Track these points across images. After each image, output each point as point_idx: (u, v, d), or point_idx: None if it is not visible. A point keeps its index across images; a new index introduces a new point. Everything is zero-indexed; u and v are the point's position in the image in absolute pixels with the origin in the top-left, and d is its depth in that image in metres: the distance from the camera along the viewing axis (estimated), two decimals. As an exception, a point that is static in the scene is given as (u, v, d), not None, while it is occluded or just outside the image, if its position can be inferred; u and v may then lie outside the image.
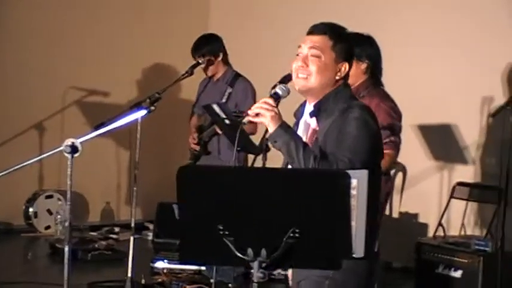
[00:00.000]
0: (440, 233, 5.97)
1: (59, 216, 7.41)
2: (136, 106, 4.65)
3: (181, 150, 6.76)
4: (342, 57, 3.26)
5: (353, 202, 2.68)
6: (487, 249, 5.33)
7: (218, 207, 2.65)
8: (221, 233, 2.64)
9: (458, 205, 6.21)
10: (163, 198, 6.64)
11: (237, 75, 6.19)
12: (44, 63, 7.75)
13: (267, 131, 3.15)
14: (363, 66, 4.62)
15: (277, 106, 3.17)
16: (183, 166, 2.65)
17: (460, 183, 6.18)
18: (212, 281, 5.86)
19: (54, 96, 7.81)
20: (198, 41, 6.32)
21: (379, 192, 3.24)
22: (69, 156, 3.61)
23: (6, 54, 7.61)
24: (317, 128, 3.22)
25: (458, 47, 6.50)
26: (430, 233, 6.28)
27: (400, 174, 6.81)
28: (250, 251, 2.65)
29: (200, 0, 8.80)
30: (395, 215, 6.87)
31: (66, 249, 3.65)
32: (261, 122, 3.13)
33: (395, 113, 4.59)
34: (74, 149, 3.61)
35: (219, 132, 5.90)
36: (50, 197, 7.60)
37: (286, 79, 3.35)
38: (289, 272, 3.36)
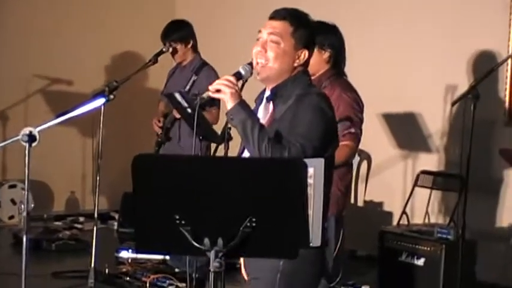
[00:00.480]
0: (405, 221, 6.00)
1: (22, 206, 7.33)
2: (96, 95, 4.61)
3: (148, 139, 6.73)
4: (301, 44, 3.24)
5: (310, 191, 2.68)
6: (449, 237, 5.35)
7: (174, 196, 2.62)
8: (177, 222, 2.61)
9: (422, 193, 6.24)
10: (129, 188, 6.56)
11: (204, 64, 6.17)
12: (7, 52, 7.67)
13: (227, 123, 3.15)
14: (326, 55, 4.59)
15: (239, 86, 3.17)
16: (139, 155, 2.62)
17: (424, 172, 6.21)
18: (177, 270, 5.87)
19: (17, 85, 7.74)
20: (168, 26, 6.28)
21: (331, 180, 3.23)
22: (26, 145, 3.55)
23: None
24: (274, 113, 3.21)
25: (422, 36, 6.52)
26: (395, 222, 6.30)
27: (364, 163, 6.82)
28: (206, 240, 2.63)
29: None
30: (360, 203, 6.89)
31: (24, 239, 3.60)
32: (220, 97, 3.12)
33: (357, 105, 4.56)
34: (31, 138, 3.55)
35: (177, 117, 5.88)
36: (13, 186, 7.54)
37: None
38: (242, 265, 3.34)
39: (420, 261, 5.42)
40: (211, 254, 2.63)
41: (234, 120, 3.10)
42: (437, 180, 6.15)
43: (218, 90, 3.13)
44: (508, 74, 6.01)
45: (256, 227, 2.60)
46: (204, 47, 6.34)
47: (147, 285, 5.63)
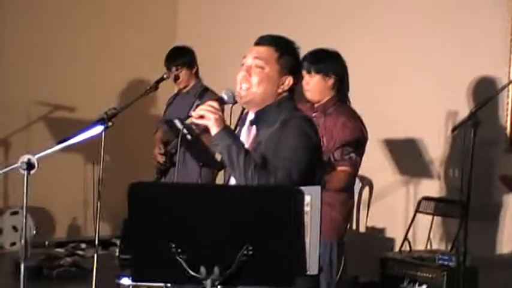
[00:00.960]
0: (406, 247, 5.98)
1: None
2: (95, 122, 4.62)
3: (150, 165, 6.73)
4: (286, 70, 3.25)
5: (307, 219, 2.67)
6: (450, 264, 5.32)
7: (170, 224, 2.63)
8: (173, 250, 2.61)
9: (424, 219, 6.22)
10: (130, 214, 6.58)
11: (206, 89, 6.21)
12: (7, 79, 7.69)
13: None
14: (330, 82, 4.61)
15: (222, 111, 3.17)
16: (134, 182, 2.63)
17: (426, 198, 6.20)
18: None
19: (18, 112, 7.74)
20: (173, 51, 6.36)
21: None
22: (25, 173, 3.55)
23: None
24: (257, 136, 3.20)
25: (424, 62, 6.53)
26: (397, 248, 6.27)
27: (366, 189, 6.80)
28: (203, 269, 2.62)
29: (167, 13, 8.78)
30: (362, 229, 6.86)
31: (22, 266, 3.58)
32: (204, 124, 3.12)
33: (361, 132, 4.58)
34: (30, 165, 3.55)
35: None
36: (15, 213, 7.50)
37: None
38: None
39: (422, 288, 5.40)
40: (208, 283, 2.62)
41: (218, 146, 3.11)
42: (439, 206, 6.14)
43: (202, 117, 3.13)
44: (509, 100, 6.00)
45: (253, 255, 2.59)
46: (204, 73, 6.39)
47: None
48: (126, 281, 6.16)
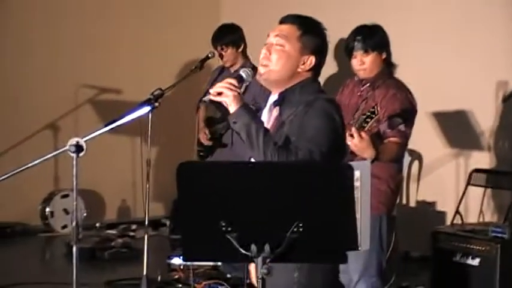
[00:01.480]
0: (458, 220, 5.90)
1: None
2: (142, 103, 4.62)
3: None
4: (308, 49, 3.18)
5: (357, 194, 2.64)
6: (504, 236, 5.23)
7: (220, 203, 2.61)
8: (223, 229, 2.59)
9: (475, 192, 6.14)
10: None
11: (255, 68, 6.14)
12: (54, 63, 7.76)
13: None
14: (384, 56, 4.61)
15: (241, 89, 3.13)
16: (184, 162, 2.61)
17: (477, 170, 6.11)
18: (229, 276, 5.85)
19: (66, 96, 7.82)
20: (220, 29, 6.29)
21: None
22: (74, 155, 3.57)
23: (15, 56, 7.63)
24: (280, 117, 3.15)
25: (470, 32, 6.43)
26: (448, 221, 6.21)
27: (416, 163, 6.74)
28: (253, 247, 2.61)
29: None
30: (412, 204, 6.81)
31: (74, 249, 3.61)
32: (222, 101, 3.07)
33: (411, 104, 4.54)
34: (78, 148, 3.57)
35: None
36: (65, 196, 7.59)
37: None
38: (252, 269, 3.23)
39: (475, 261, 5.32)
40: (259, 261, 2.61)
41: (237, 123, 3.04)
42: (491, 178, 6.05)
43: (220, 94, 3.09)
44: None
45: (304, 232, 2.57)
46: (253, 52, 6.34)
47: (200, 291, 5.63)
48: (177, 260, 6.20)
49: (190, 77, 5.89)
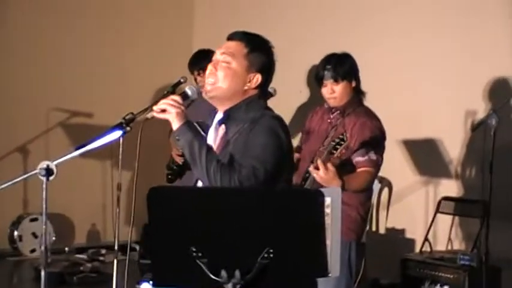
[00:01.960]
0: (427, 248, 5.94)
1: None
2: (113, 127, 4.60)
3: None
4: (255, 67, 3.19)
5: (327, 220, 2.65)
6: (472, 264, 5.29)
7: (190, 228, 2.61)
8: (194, 254, 2.60)
9: (444, 220, 6.18)
10: (149, 219, 6.58)
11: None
12: (26, 86, 7.71)
13: None
14: (353, 84, 4.65)
15: (185, 106, 3.12)
16: (154, 187, 2.61)
17: (445, 198, 6.16)
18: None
19: (37, 119, 7.76)
20: (196, 55, 6.33)
21: None
22: (44, 179, 3.54)
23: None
24: (226, 136, 3.16)
25: (441, 63, 6.49)
26: (417, 249, 6.23)
27: (386, 190, 6.77)
28: (223, 272, 2.61)
29: (184, 17, 8.77)
30: (381, 231, 6.83)
31: (43, 273, 3.58)
32: (165, 118, 3.08)
33: (380, 132, 4.58)
34: (49, 171, 3.54)
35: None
36: (34, 220, 7.52)
37: None
38: None
39: (444, 289, 5.36)
40: (229, 287, 2.61)
41: (180, 141, 3.06)
42: (459, 206, 6.10)
43: (164, 110, 3.09)
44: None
45: (274, 258, 2.58)
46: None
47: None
48: (146, 286, 6.16)
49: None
